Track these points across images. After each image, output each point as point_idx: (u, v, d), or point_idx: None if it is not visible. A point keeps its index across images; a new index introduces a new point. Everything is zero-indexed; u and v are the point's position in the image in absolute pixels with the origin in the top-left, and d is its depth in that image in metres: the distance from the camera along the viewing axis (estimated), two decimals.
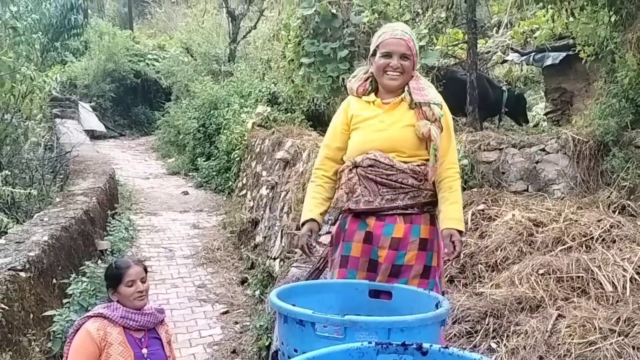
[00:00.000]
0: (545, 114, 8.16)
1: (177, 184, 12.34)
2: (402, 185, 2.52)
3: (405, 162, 2.53)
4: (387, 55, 2.56)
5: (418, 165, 2.54)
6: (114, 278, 2.58)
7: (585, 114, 5.79)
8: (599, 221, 3.92)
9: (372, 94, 2.66)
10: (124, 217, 8.70)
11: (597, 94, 5.83)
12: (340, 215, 2.67)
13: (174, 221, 9.52)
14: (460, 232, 2.50)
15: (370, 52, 2.68)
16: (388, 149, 2.55)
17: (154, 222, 9.38)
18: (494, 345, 3.00)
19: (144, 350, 2.54)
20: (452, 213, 2.53)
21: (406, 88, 2.60)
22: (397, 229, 2.50)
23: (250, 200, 9.12)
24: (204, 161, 12.19)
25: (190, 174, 12.77)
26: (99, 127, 16.50)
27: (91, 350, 2.46)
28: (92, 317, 2.54)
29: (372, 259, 2.54)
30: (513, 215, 4.27)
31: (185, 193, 11.42)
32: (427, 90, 2.61)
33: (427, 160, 2.56)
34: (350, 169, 2.58)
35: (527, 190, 5.10)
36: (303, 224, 2.63)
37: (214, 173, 11.73)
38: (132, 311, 2.56)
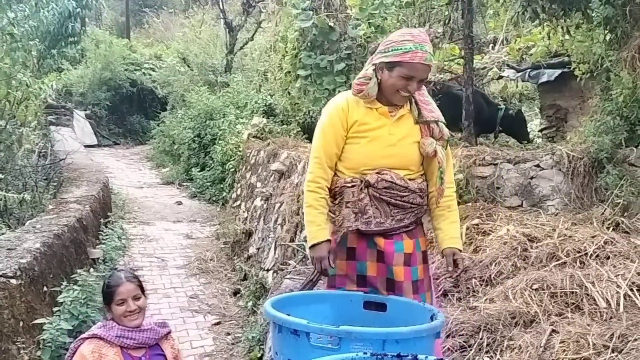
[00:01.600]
0: (540, 131, 8.21)
1: (171, 193, 12.31)
2: (412, 206, 2.47)
3: (413, 181, 2.47)
4: (409, 78, 2.36)
5: (422, 183, 2.51)
6: (106, 296, 2.46)
7: (580, 130, 5.83)
8: (593, 237, 3.93)
9: (375, 100, 2.45)
10: (117, 225, 8.66)
11: (591, 111, 5.87)
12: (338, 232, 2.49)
13: (167, 231, 9.49)
14: (460, 250, 2.52)
15: (386, 57, 2.37)
16: (399, 166, 2.44)
17: (147, 231, 9.34)
18: None
19: None
20: (452, 232, 2.53)
21: (412, 100, 2.49)
22: (406, 245, 2.44)
23: (244, 212, 9.10)
24: (199, 171, 12.17)
25: (184, 184, 12.75)
26: (91, 139, 16.45)
27: None
28: (87, 338, 2.42)
29: (388, 277, 2.44)
30: (507, 230, 4.28)
31: (179, 203, 11.39)
32: (433, 106, 2.53)
33: (424, 175, 2.55)
34: (361, 189, 2.42)
35: (521, 205, 5.11)
36: (318, 244, 2.42)
37: (209, 183, 11.72)
38: (129, 329, 2.41)
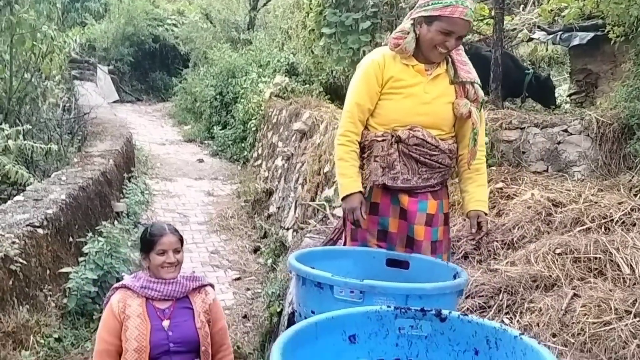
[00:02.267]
0: (569, 96, 8.00)
1: (193, 151, 12.39)
2: (440, 166, 2.45)
3: (444, 141, 2.45)
4: (448, 34, 2.29)
5: (452, 144, 2.48)
6: (147, 244, 2.42)
7: (611, 96, 5.68)
8: (619, 204, 3.86)
9: (412, 57, 2.39)
10: (139, 181, 8.76)
11: (624, 76, 5.70)
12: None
13: (189, 188, 9.59)
14: (485, 214, 2.50)
15: (425, 11, 2.32)
16: (432, 125, 2.41)
17: (169, 187, 9.46)
18: (506, 321, 2.99)
19: (165, 323, 2.35)
20: (479, 195, 2.51)
21: (449, 59, 2.44)
22: (430, 206, 2.43)
23: (265, 171, 9.13)
24: (220, 130, 12.19)
25: (205, 141, 12.80)
26: (113, 95, 16.48)
27: (112, 324, 2.36)
28: (118, 288, 2.44)
29: (408, 235, 2.45)
30: (532, 194, 4.23)
31: (201, 161, 11.46)
32: (470, 67, 2.48)
33: (454, 137, 2.51)
34: (391, 143, 2.40)
35: (546, 170, 5.04)
36: (349, 195, 2.41)
37: (230, 142, 11.74)
38: (155, 280, 2.39)
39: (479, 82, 2.50)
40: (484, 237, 3.96)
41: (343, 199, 2.44)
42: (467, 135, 2.48)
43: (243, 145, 11.18)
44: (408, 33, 2.36)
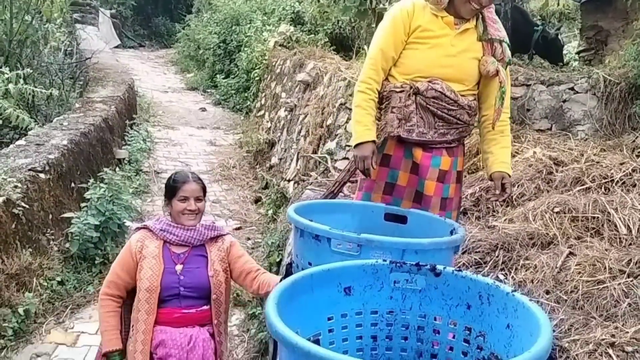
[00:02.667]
0: (578, 53, 7.87)
1: (195, 99, 12.31)
2: (458, 122, 2.41)
3: (464, 97, 2.40)
4: None
5: (472, 100, 2.44)
6: (170, 190, 2.47)
7: (620, 54, 5.57)
8: (621, 164, 3.85)
9: (443, 9, 2.34)
10: (141, 128, 8.75)
11: (635, 34, 5.58)
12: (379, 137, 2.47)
13: (191, 136, 9.57)
14: (509, 175, 2.49)
15: None
16: (454, 78, 2.36)
17: (171, 135, 9.44)
18: (501, 277, 3.04)
19: (178, 267, 2.40)
20: (503, 157, 2.49)
21: (480, 16, 2.39)
22: (443, 162, 2.42)
23: (267, 122, 9.08)
24: (223, 78, 12.06)
25: (208, 90, 12.69)
26: (114, 40, 16.20)
27: (127, 261, 2.43)
28: (140, 228, 2.51)
29: (418, 190, 2.45)
30: (534, 152, 4.21)
31: (203, 109, 11.39)
32: (500, 25, 2.43)
33: (476, 94, 2.48)
34: (409, 95, 2.36)
35: (550, 129, 5.01)
36: (361, 143, 2.38)
37: (233, 91, 11.64)
38: (174, 225, 2.44)
39: (508, 42, 2.44)
40: (485, 194, 3.98)
41: (355, 146, 2.42)
42: (492, 94, 2.44)
43: (246, 95, 11.08)
44: None
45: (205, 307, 2.43)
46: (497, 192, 2.49)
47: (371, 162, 2.37)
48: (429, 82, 2.36)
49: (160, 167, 7.87)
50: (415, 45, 2.37)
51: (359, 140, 2.40)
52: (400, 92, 2.39)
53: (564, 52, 8.19)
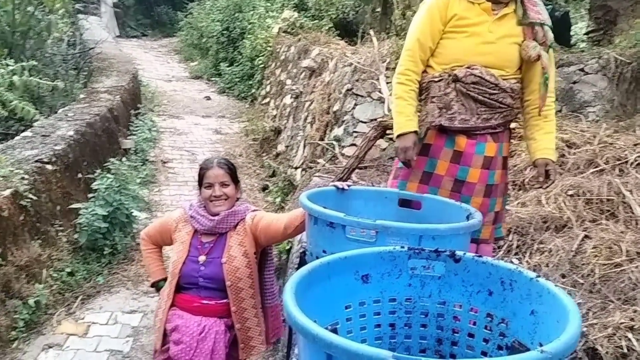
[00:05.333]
0: (586, 34, 7.75)
1: (200, 88, 12.24)
2: (501, 105, 2.35)
3: (506, 80, 2.34)
4: None
5: (515, 83, 2.37)
6: (198, 178, 2.47)
7: (630, 34, 5.48)
8: (635, 145, 3.79)
9: None
10: (146, 118, 8.71)
11: None
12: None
13: (197, 125, 9.53)
14: (553, 161, 2.44)
15: None
16: (494, 65, 2.30)
17: (177, 125, 9.40)
18: (515, 262, 3.00)
19: (202, 257, 2.38)
20: (547, 143, 2.43)
21: (519, 0, 2.33)
22: (488, 148, 2.36)
23: (273, 109, 9.03)
24: (227, 66, 11.98)
25: (213, 78, 12.62)
26: (114, 30, 16.09)
27: (165, 228, 2.52)
28: (183, 207, 2.54)
29: (458, 178, 2.39)
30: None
31: (208, 98, 11.34)
32: (542, 7, 2.36)
33: (520, 78, 2.40)
34: (448, 83, 2.33)
35: (560, 111, 4.93)
36: (403, 134, 2.35)
37: (237, 79, 11.57)
38: (202, 214, 2.41)
39: (550, 24, 2.37)
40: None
41: (397, 137, 2.39)
42: (534, 79, 2.38)
43: (251, 82, 11.01)
44: None
45: (225, 301, 2.39)
46: (541, 179, 2.44)
47: (412, 154, 2.35)
48: (467, 68, 2.31)
49: (166, 157, 7.84)
50: (452, 35, 2.33)
51: (401, 131, 2.37)
52: (439, 81, 2.36)
53: (571, 33, 8.07)
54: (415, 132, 2.36)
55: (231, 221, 2.43)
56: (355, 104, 5.68)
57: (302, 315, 1.12)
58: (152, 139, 8.09)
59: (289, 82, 8.39)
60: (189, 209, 2.48)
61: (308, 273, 1.38)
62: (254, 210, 2.50)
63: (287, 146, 7.61)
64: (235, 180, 2.48)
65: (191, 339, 2.36)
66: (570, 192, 3.43)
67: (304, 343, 1.15)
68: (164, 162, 7.62)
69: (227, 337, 2.42)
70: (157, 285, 2.63)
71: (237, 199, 2.50)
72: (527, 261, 2.98)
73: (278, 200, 6.50)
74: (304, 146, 6.75)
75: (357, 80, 5.78)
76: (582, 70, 5.03)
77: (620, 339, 2.27)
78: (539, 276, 1.36)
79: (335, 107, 6.07)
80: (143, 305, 4.57)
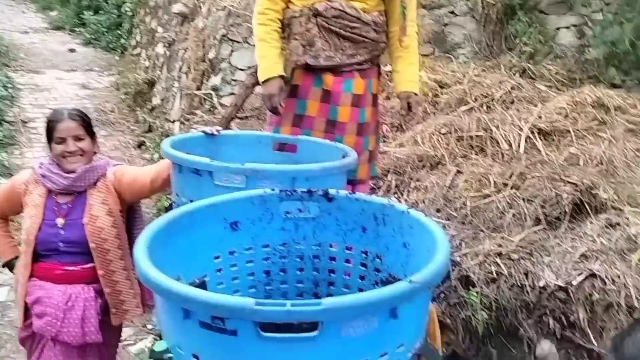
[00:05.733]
0: None
1: (62, 40, 11.26)
2: (365, 39, 2.28)
3: (368, 13, 2.27)
4: None
5: (378, 16, 2.31)
6: (47, 132, 2.16)
7: None
8: (500, 83, 3.98)
9: None
10: (1, 74, 7.88)
11: None
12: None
13: (60, 80, 8.76)
14: (415, 94, 2.41)
15: None
16: None
17: (37, 80, 8.59)
18: (394, 200, 3.05)
19: (60, 220, 2.13)
20: (409, 75, 2.41)
21: None
22: (356, 85, 2.30)
23: (145, 60, 8.50)
24: (92, 15, 11.09)
25: (76, 29, 11.63)
26: None
27: (9, 196, 2.24)
28: (32, 167, 2.21)
29: (330, 119, 2.32)
30: (420, 76, 4.23)
31: (72, 50, 10.46)
32: None
33: (384, 10, 2.34)
34: (309, 18, 2.24)
35: (433, 53, 5.07)
36: (268, 80, 2.25)
37: (104, 29, 10.76)
38: (55, 171, 2.13)
39: None
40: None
41: (262, 83, 2.28)
42: (396, 10, 2.33)
43: (119, 32, 10.28)
44: None
45: (91, 265, 2.16)
46: (403, 112, 2.43)
47: (278, 100, 2.24)
48: (328, 1, 2.22)
49: (26, 116, 7.14)
50: None
51: (266, 76, 2.27)
52: (300, 16, 2.27)
53: None
54: (281, 76, 2.27)
55: (90, 178, 2.17)
56: (232, 51, 5.45)
57: (152, 268, 0.99)
58: (8, 97, 7.33)
59: (160, 29, 7.89)
60: (38, 167, 2.18)
61: (166, 224, 1.24)
62: (116, 165, 2.27)
63: (162, 99, 7.21)
64: (91, 133, 2.21)
65: (56, 309, 2.13)
66: (443, 131, 3.54)
67: (160, 301, 1.03)
68: (25, 122, 6.93)
69: (98, 304, 2.22)
70: (10, 265, 2.35)
71: (95, 154, 2.25)
72: (405, 199, 3.05)
73: (156, 156, 6.17)
74: (181, 98, 6.42)
75: (232, 25, 5.52)
76: (452, 12, 5.16)
77: (490, 265, 2.39)
78: (409, 208, 1.33)
79: (211, 55, 5.79)
80: (9, 278, 4.15)
